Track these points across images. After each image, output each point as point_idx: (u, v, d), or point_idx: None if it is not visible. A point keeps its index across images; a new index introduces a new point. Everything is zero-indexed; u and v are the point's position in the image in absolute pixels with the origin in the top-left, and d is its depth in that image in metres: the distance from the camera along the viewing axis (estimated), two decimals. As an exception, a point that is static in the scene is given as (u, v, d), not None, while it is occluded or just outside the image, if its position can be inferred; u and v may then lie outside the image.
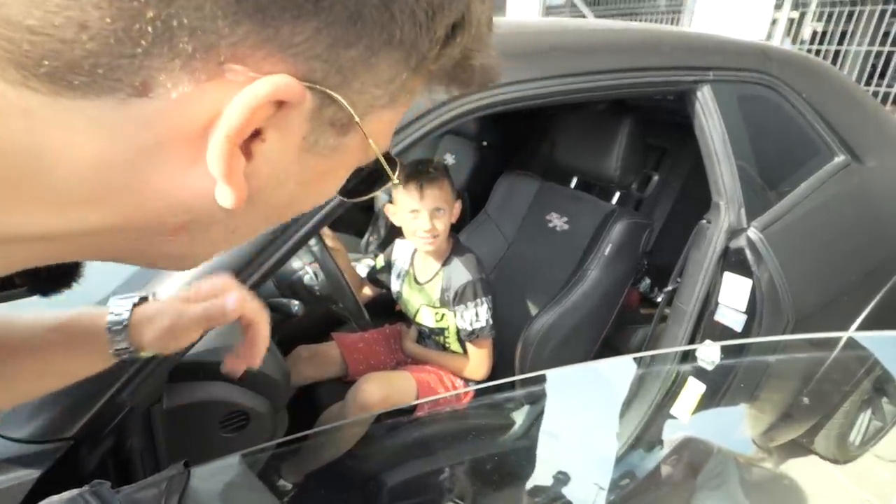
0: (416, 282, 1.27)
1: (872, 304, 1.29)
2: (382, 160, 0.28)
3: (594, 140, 1.37)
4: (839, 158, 1.26)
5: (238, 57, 0.20)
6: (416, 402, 1.14)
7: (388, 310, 1.50)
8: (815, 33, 4.18)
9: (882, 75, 3.94)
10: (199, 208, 0.23)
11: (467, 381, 1.25)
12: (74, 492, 0.47)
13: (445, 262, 1.22)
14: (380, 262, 1.37)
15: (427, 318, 1.27)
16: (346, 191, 0.31)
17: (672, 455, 1.22)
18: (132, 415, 0.59)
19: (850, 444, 1.66)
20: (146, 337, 0.46)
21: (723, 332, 1.18)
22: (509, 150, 1.92)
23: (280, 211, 0.27)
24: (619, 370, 1.12)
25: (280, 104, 0.21)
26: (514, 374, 1.25)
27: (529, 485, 1.01)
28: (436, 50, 0.24)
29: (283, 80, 0.20)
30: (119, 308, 0.47)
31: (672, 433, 1.23)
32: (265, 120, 0.21)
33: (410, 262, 1.30)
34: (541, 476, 1.02)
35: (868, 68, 4.04)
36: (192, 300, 0.48)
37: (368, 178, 0.32)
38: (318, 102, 0.22)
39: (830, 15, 3.80)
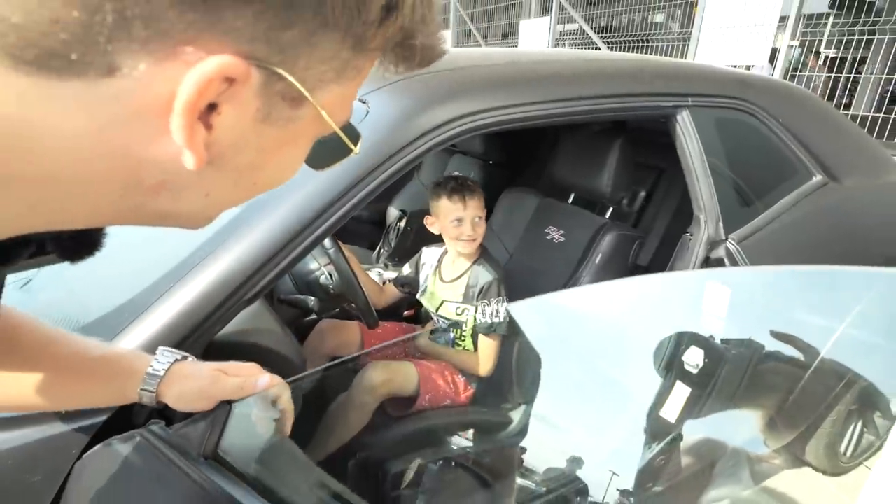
0: (442, 280, 1.42)
1: (847, 320, 1.36)
2: (338, 130, 0.30)
3: (589, 160, 1.48)
4: (816, 178, 1.35)
5: (188, 40, 0.23)
6: (417, 394, 1.24)
7: (398, 316, 1.62)
8: (828, 59, 4.26)
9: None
10: (170, 170, 0.27)
11: (468, 381, 1.34)
12: (134, 431, 0.58)
13: (474, 263, 1.37)
14: (406, 269, 1.52)
15: (449, 311, 1.39)
16: (314, 162, 0.35)
17: (688, 450, 1.28)
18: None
19: (841, 456, 1.71)
20: (172, 390, 0.54)
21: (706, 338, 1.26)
22: (513, 168, 2.04)
23: (246, 176, 0.30)
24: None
25: (230, 81, 0.24)
26: (511, 375, 1.34)
27: (540, 469, 1.09)
28: (372, 30, 0.27)
29: (228, 60, 0.23)
30: (164, 358, 0.56)
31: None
32: (218, 95, 0.24)
33: (438, 263, 1.45)
34: (549, 461, 1.09)
35: (886, 95, 4.11)
36: (226, 372, 0.58)
37: (333, 151, 0.35)
38: (265, 78, 0.25)
39: (849, 42, 3.86)
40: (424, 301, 1.46)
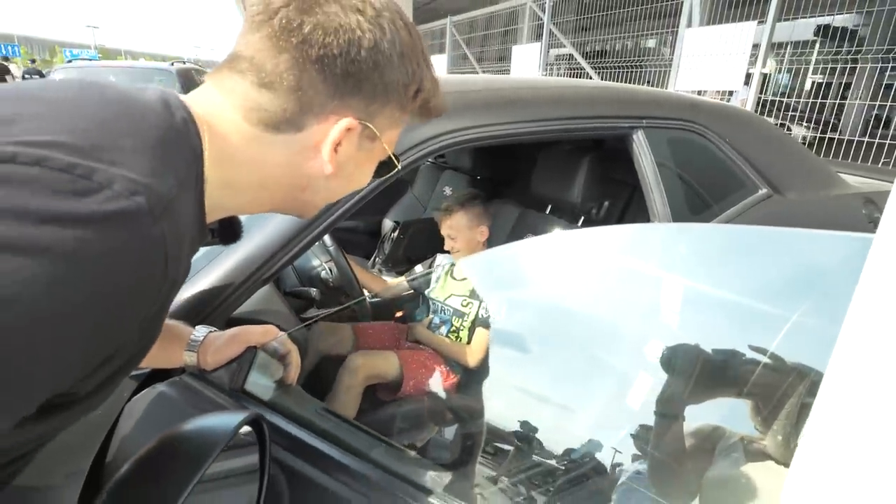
0: (454, 277, 1.63)
1: (789, 322, 1.52)
2: (392, 155, 0.59)
3: (562, 174, 1.66)
4: (761, 191, 1.53)
5: (333, 112, 0.50)
6: (400, 381, 1.39)
7: (390, 317, 1.77)
8: (815, 84, 4.44)
9: (887, 125, 4.12)
10: (313, 177, 0.53)
11: (452, 370, 1.49)
12: (174, 378, 0.73)
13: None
14: (418, 268, 1.76)
15: (455, 302, 1.58)
16: (375, 174, 0.61)
17: (693, 434, 1.40)
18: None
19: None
20: (208, 353, 0.72)
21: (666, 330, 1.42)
22: (498, 182, 2.22)
23: (345, 181, 0.56)
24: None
25: (348, 130, 0.50)
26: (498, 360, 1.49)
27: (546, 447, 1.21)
28: (410, 101, 0.54)
29: (350, 120, 0.50)
30: (201, 330, 0.74)
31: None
32: (341, 137, 0.50)
33: (451, 264, 1.68)
34: (547, 438, 1.22)
35: (871, 119, 4.28)
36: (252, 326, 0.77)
37: (385, 167, 0.61)
38: (362, 128, 0.51)
39: (834, 69, 4.03)
40: (434, 293, 1.63)
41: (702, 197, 1.45)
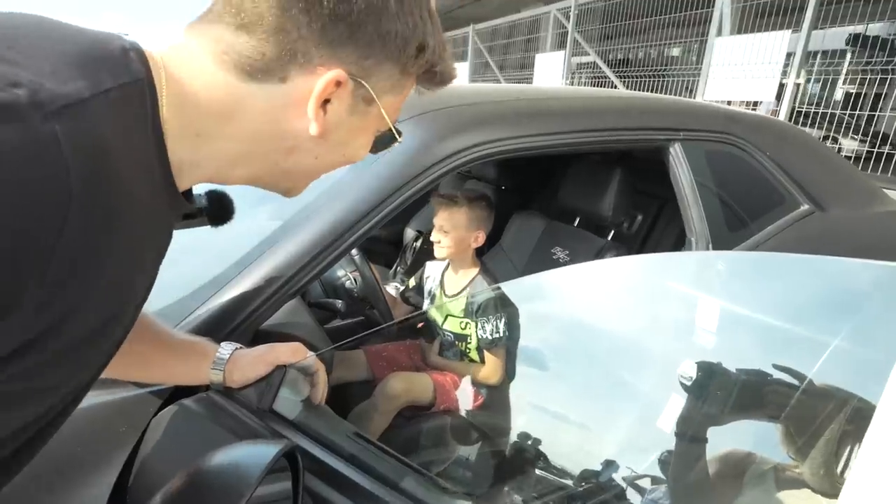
0: (446, 294, 1.52)
1: (833, 345, 1.45)
2: (391, 124, 0.51)
3: (592, 186, 1.62)
4: (803, 207, 1.47)
5: (321, 63, 0.44)
6: (433, 402, 1.35)
7: (409, 328, 1.74)
8: (848, 95, 4.30)
9: None
10: (299, 138, 0.47)
11: (478, 390, 1.45)
12: (201, 394, 0.71)
13: (472, 280, 1.48)
14: (411, 282, 1.62)
15: (453, 326, 1.50)
16: (374, 148, 0.54)
17: (717, 459, 1.34)
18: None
19: (838, 477, 1.76)
20: (235, 370, 0.68)
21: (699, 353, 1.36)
22: (522, 193, 2.19)
23: (338, 149, 0.50)
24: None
25: (337, 84, 0.44)
26: (524, 379, 1.44)
27: (560, 469, 1.17)
28: (412, 60, 0.47)
29: (339, 72, 0.44)
30: (227, 347, 0.70)
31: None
32: (330, 93, 0.45)
33: (441, 277, 1.55)
34: (570, 462, 1.18)
35: None
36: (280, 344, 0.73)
37: (386, 141, 0.54)
38: (354, 85, 0.45)
39: (864, 80, 3.94)
40: (432, 313, 1.57)
41: (740, 213, 1.40)
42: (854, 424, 1.74)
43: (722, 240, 1.34)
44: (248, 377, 0.68)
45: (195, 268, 0.94)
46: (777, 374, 1.45)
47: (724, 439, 1.33)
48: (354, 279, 1.24)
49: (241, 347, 0.71)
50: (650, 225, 1.91)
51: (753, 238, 1.38)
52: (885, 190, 1.79)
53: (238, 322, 0.83)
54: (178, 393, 0.73)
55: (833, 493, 1.82)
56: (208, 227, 0.56)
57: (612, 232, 1.70)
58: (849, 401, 1.61)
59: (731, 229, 1.38)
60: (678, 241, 1.92)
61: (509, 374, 1.43)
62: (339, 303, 1.18)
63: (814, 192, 1.49)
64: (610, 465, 1.12)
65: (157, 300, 0.88)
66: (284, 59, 0.43)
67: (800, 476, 1.53)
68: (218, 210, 0.56)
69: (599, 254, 1.53)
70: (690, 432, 1.24)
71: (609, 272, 1.09)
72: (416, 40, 0.46)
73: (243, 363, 0.68)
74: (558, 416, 1.26)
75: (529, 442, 1.29)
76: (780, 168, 1.44)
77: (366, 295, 1.24)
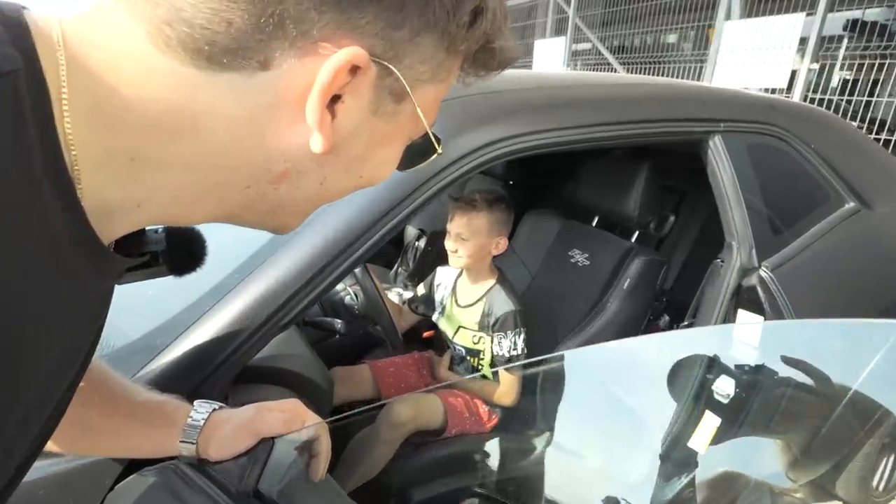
0: (458, 304, 1.37)
1: (881, 353, 1.33)
2: (429, 129, 0.35)
3: (614, 182, 1.47)
4: (849, 205, 1.33)
5: (325, 37, 0.27)
6: (444, 427, 1.21)
7: (417, 338, 1.60)
8: (845, 81, 4.21)
9: None
10: (295, 157, 0.30)
11: (493, 408, 1.31)
12: (168, 463, 0.56)
13: (489, 290, 1.32)
14: (420, 289, 1.47)
15: (465, 339, 1.35)
16: (403, 163, 0.38)
17: (708, 483, 1.24)
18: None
19: (874, 490, 1.65)
20: (213, 440, 0.53)
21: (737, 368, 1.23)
22: (533, 189, 2.03)
23: (355, 167, 0.34)
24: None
25: (353, 71, 0.28)
26: (536, 403, 1.31)
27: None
28: (463, 32, 0.31)
29: (355, 51, 0.27)
30: (202, 409, 0.54)
31: (703, 464, 1.26)
32: (342, 87, 0.28)
33: (454, 285, 1.40)
34: (567, 494, 1.07)
35: None
36: (270, 409, 0.56)
37: (419, 152, 0.38)
38: (378, 73, 0.29)
39: (861, 66, 3.84)
40: (441, 324, 1.43)
41: (784, 213, 1.25)
42: (891, 438, 1.62)
43: (764, 243, 1.20)
44: (227, 451, 0.53)
45: (168, 291, 0.79)
46: (814, 385, 1.34)
47: (719, 460, 1.23)
48: (355, 294, 1.09)
49: (220, 407, 0.56)
50: (671, 221, 1.77)
51: (798, 241, 1.24)
52: None
53: (221, 359, 0.69)
54: (137, 462, 0.58)
55: (867, 504, 1.69)
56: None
57: (637, 233, 1.55)
58: (889, 415, 1.49)
59: (774, 231, 1.24)
60: (700, 237, 1.79)
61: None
62: (338, 323, 1.03)
63: (860, 188, 1.35)
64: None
65: (123, 333, 0.73)
66: (265, 32, 0.26)
67: (800, 499, 1.43)
68: (180, 254, 0.40)
69: (625, 258, 1.39)
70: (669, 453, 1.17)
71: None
72: (472, 1, 0.30)
73: (223, 432, 0.53)
74: (564, 447, 1.14)
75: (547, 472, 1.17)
76: (825, 162, 1.30)
77: (368, 311, 1.09)
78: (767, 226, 1.22)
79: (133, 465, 0.58)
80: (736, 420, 1.25)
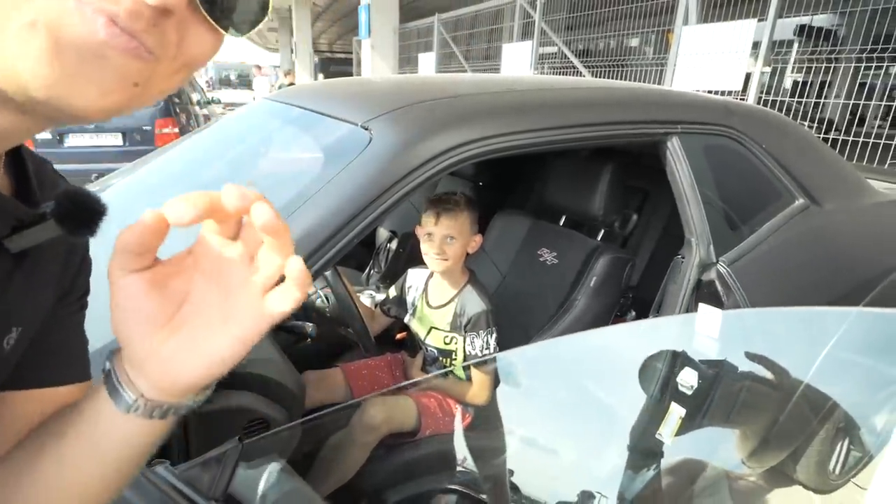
0: (430, 305, 1.37)
1: (832, 342, 1.40)
2: None
3: (580, 182, 1.51)
4: (799, 202, 1.40)
5: None
6: (418, 428, 1.22)
7: (390, 340, 1.60)
8: (795, 83, 4.41)
9: (861, 122, 4.13)
10: None
11: (467, 407, 1.33)
12: (141, 472, 0.56)
13: (461, 290, 1.33)
14: (391, 292, 1.47)
15: (436, 340, 1.36)
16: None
17: (670, 470, 1.29)
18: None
19: (831, 473, 1.73)
20: (144, 377, 0.32)
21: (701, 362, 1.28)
22: (503, 190, 2.06)
23: None
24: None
25: None
26: (508, 399, 1.33)
27: (532, 498, 1.08)
28: None
29: None
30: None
31: (667, 453, 1.30)
32: None
33: (425, 287, 1.40)
34: (541, 489, 1.09)
35: (847, 117, 4.26)
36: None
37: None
38: None
39: (810, 69, 4.03)
40: (413, 326, 1.43)
41: (739, 210, 1.31)
42: (844, 423, 1.70)
43: (722, 239, 1.25)
44: (180, 376, 0.32)
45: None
46: (771, 379, 1.40)
47: (682, 448, 1.29)
48: (326, 297, 1.09)
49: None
50: (634, 219, 1.83)
51: (753, 236, 1.30)
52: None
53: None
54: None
55: (823, 489, 1.79)
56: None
57: (603, 232, 1.59)
58: (838, 404, 1.57)
59: (730, 227, 1.30)
60: (663, 235, 1.85)
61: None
62: (309, 326, 1.03)
63: (809, 186, 1.42)
64: (586, 496, 1.07)
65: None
66: None
67: (754, 483, 1.50)
68: (71, 212, 0.33)
69: (591, 256, 1.42)
70: (637, 443, 1.22)
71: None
72: None
73: (161, 358, 0.32)
74: (532, 444, 1.17)
75: (513, 476, 1.19)
76: (776, 162, 1.37)
77: (340, 314, 1.09)
78: (724, 222, 1.27)
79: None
80: (699, 411, 1.31)
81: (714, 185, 1.26)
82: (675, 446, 1.28)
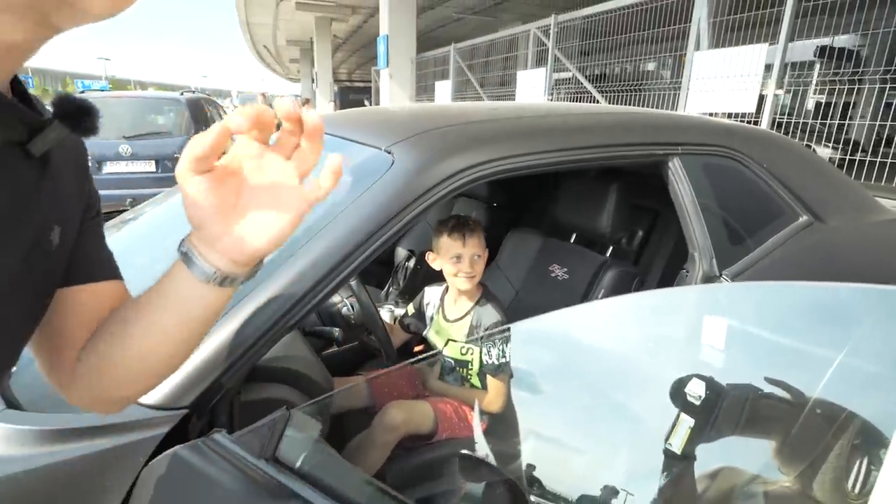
0: (447, 319, 1.47)
1: (839, 357, 1.43)
2: None
3: (588, 202, 1.60)
4: (803, 218, 1.46)
5: None
6: (435, 431, 1.29)
7: (408, 352, 1.69)
8: (818, 105, 4.41)
9: (889, 143, 4.09)
10: None
11: (482, 415, 1.40)
12: (197, 440, 0.65)
13: (477, 304, 1.42)
14: (410, 309, 1.57)
15: (454, 351, 1.44)
16: None
17: (706, 475, 1.31)
18: (222, 402, 0.78)
19: (849, 492, 1.73)
20: (217, 249, 0.41)
21: (706, 369, 1.33)
22: (516, 210, 2.16)
23: None
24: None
25: None
26: (526, 398, 1.39)
27: (553, 491, 1.13)
28: None
29: None
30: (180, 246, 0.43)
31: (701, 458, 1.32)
32: None
33: (441, 302, 1.50)
34: (562, 483, 1.13)
35: (873, 138, 4.23)
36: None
37: None
38: None
39: (832, 90, 4.02)
40: (431, 338, 1.52)
41: (741, 227, 1.38)
42: (861, 440, 1.72)
43: (724, 253, 1.32)
44: (249, 248, 0.41)
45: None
46: (781, 393, 1.43)
47: (715, 457, 1.31)
48: (351, 305, 1.19)
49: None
50: (645, 237, 1.90)
51: (756, 251, 1.36)
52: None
53: (234, 360, 0.77)
54: (170, 439, 0.67)
55: (843, 507, 1.78)
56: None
57: (612, 248, 1.67)
58: (855, 417, 1.59)
59: (733, 242, 1.36)
60: (675, 253, 1.91)
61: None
62: (336, 331, 1.13)
63: (812, 203, 1.48)
64: (611, 491, 1.10)
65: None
66: None
67: (790, 492, 1.51)
68: (72, 112, 0.39)
69: (600, 271, 1.50)
70: (691, 454, 1.23)
71: (618, 311, 1.07)
72: None
73: (233, 237, 0.41)
74: (555, 443, 1.22)
75: (528, 470, 1.24)
76: (777, 180, 1.44)
77: (363, 321, 1.18)
78: (726, 238, 1.34)
79: (163, 445, 0.67)
80: (707, 422, 1.35)
81: (715, 202, 1.33)
82: (709, 453, 1.31)
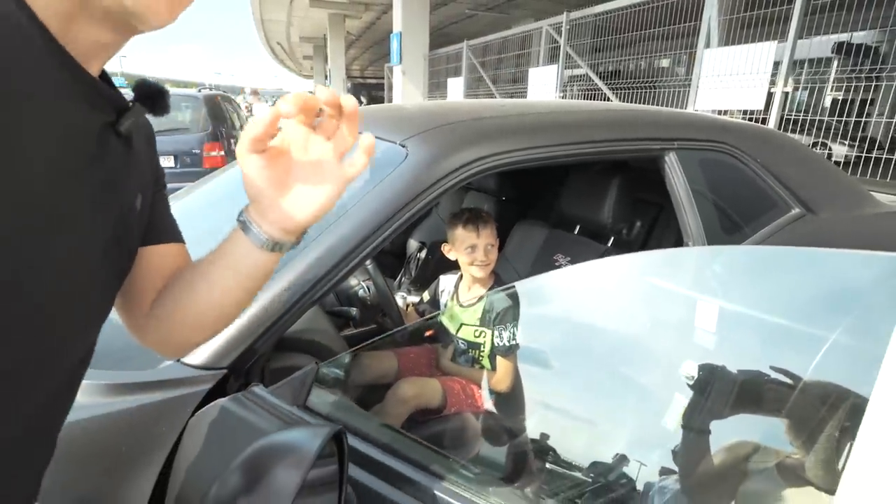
0: (461, 304, 1.58)
1: (827, 344, 1.51)
2: None
3: (592, 195, 1.68)
4: (795, 211, 1.53)
5: None
6: (443, 406, 1.39)
7: (422, 336, 1.79)
8: (835, 101, 4.37)
9: None
10: None
11: (490, 393, 1.49)
12: (237, 393, 0.76)
13: (489, 290, 1.53)
14: (425, 296, 1.68)
15: (467, 334, 1.55)
16: None
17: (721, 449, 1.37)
18: (255, 365, 0.88)
19: (840, 473, 1.80)
20: (269, 217, 0.48)
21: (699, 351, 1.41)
22: (523, 203, 2.25)
23: None
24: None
25: None
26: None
27: (566, 459, 1.20)
28: None
29: None
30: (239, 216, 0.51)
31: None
32: None
33: (455, 289, 1.61)
34: (573, 452, 1.21)
35: (891, 135, 4.19)
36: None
37: None
38: None
39: (850, 87, 3.98)
40: (445, 322, 1.62)
41: (734, 217, 1.46)
42: (853, 420, 1.79)
43: (717, 243, 1.40)
44: (295, 218, 0.49)
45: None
46: (774, 374, 1.50)
47: (729, 432, 1.38)
48: (367, 287, 1.29)
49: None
50: (648, 230, 1.97)
51: (748, 241, 1.44)
52: (879, 193, 1.86)
53: (266, 328, 0.88)
54: (213, 393, 0.77)
55: (835, 488, 1.88)
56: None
57: (612, 238, 1.75)
58: (847, 396, 1.66)
59: (726, 233, 1.44)
60: (676, 245, 1.98)
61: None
62: (353, 310, 1.23)
63: (804, 195, 1.55)
64: (621, 459, 1.17)
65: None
66: None
67: (801, 465, 1.56)
68: (149, 95, 0.47)
69: (599, 258, 1.58)
70: (695, 426, 1.29)
71: (609, 270, 1.14)
72: None
73: (282, 208, 0.49)
74: (567, 414, 1.30)
75: (541, 439, 1.33)
76: (771, 174, 1.51)
77: (379, 303, 1.29)
78: (720, 228, 1.42)
79: (208, 397, 0.77)
80: (700, 401, 1.43)
81: (710, 196, 1.41)
82: (722, 427, 1.36)
